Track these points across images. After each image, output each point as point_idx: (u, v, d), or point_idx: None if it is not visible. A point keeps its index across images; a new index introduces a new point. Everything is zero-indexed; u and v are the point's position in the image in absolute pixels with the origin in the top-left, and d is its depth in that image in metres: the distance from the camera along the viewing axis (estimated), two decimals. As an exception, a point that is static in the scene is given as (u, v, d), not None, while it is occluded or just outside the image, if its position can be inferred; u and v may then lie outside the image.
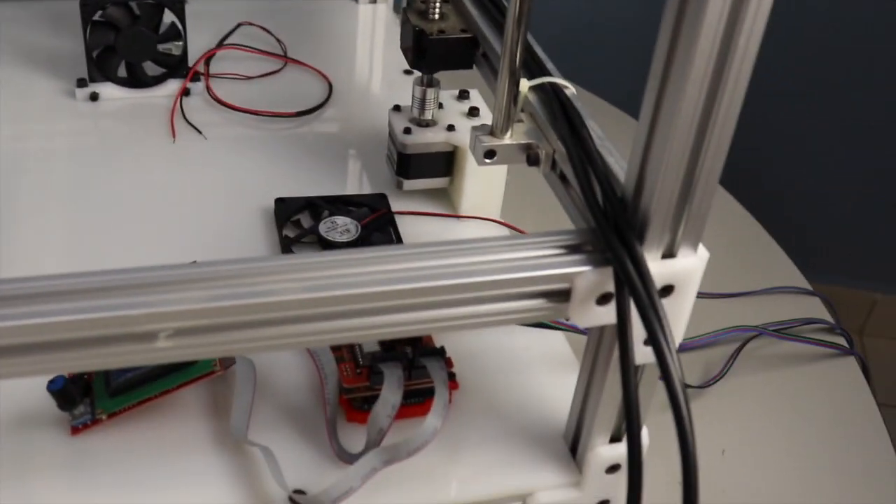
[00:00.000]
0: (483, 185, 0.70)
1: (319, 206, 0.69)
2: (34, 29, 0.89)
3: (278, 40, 0.90)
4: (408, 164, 0.70)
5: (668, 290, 0.45)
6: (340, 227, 0.66)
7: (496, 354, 0.60)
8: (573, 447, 0.54)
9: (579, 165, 0.48)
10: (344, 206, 0.69)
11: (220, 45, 0.88)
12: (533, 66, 0.57)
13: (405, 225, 0.69)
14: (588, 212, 0.46)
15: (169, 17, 0.80)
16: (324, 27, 0.94)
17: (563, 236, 0.45)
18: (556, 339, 0.61)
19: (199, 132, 0.78)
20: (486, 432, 0.55)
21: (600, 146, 0.50)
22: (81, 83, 0.81)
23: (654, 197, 0.42)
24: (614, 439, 0.52)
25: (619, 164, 0.48)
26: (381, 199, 0.70)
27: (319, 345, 0.54)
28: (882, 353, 1.71)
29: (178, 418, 0.54)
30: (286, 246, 0.66)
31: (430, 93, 0.68)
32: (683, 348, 0.67)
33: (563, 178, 0.53)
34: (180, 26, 0.80)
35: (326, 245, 0.65)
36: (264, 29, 0.91)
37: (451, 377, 0.56)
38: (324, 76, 0.86)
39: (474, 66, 0.65)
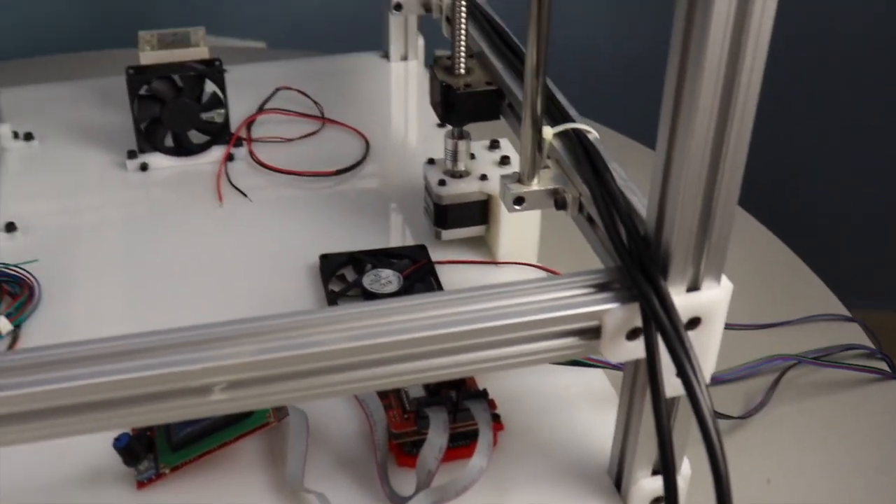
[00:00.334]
0: (518, 231, 0.72)
1: (362, 260, 0.71)
2: (86, 106, 0.94)
3: (315, 102, 0.93)
4: (444, 215, 0.73)
5: (694, 322, 0.47)
6: (383, 279, 0.69)
7: (539, 394, 0.62)
8: (617, 482, 0.56)
9: (603, 207, 0.50)
10: (386, 258, 0.72)
11: (261, 110, 0.92)
12: (556, 114, 0.59)
13: (445, 274, 0.72)
14: (614, 251, 0.48)
15: (210, 86, 0.83)
16: (358, 86, 0.98)
17: (591, 276, 0.48)
18: (596, 376, 0.63)
19: (245, 195, 0.81)
20: (532, 471, 0.57)
21: (624, 187, 0.52)
22: (131, 155, 0.85)
23: (673, 233, 0.45)
24: (657, 472, 0.54)
25: (642, 203, 0.50)
26: (421, 250, 0.73)
27: (366, 391, 0.57)
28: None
29: (236, 469, 0.56)
30: (332, 300, 0.69)
31: (462, 145, 0.71)
32: (722, 380, 0.69)
33: (590, 219, 0.55)
34: (221, 95, 0.84)
35: (370, 297, 0.67)
36: (301, 92, 0.94)
37: (496, 418, 0.58)
38: (360, 134, 0.89)
39: (501, 117, 0.68)
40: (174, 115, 0.83)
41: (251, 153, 0.86)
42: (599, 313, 0.46)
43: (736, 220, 0.63)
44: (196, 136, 0.86)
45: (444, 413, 0.54)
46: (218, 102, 0.85)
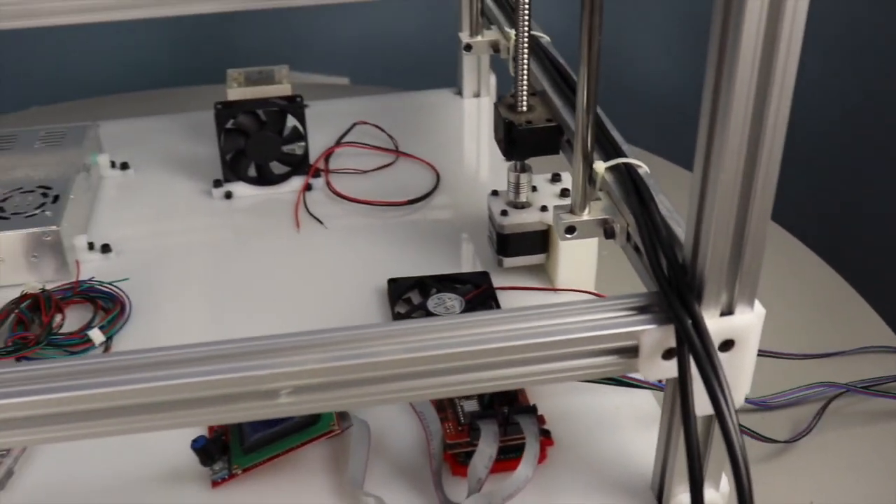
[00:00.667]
0: (576, 259, 0.76)
1: (428, 285, 0.76)
2: (177, 138, 1.00)
3: (390, 136, 0.98)
4: (506, 244, 0.77)
5: (728, 344, 0.50)
6: (447, 302, 0.73)
7: (589, 414, 0.65)
8: (659, 496, 0.59)
9: (646, 236, 0.54)
10: (450, 283, 0.76)
11: (338, 143, 0.97)
12: (609, 149, 0.63)
13: (506, 300, 0.75)
14: (653, 277, 0.52)
15: (292, 121, 0.89)
16: (432, 121, 1.03)
17: (632, 299, 0.51)
18: (644, 398, 0.66)
19: (321, 222, 0.87)
20: (579, 484, 0.60)
21: (668, 218, 0.56)
22: (217, 183, 0.91)
23: (707, 261, 0.48)
24: (695, 487, 0.57)
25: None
26: (484, 276, 0.77)
27: (417, 399, 0.61)
28: None
29: (302, 472, 0.61)
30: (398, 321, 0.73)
31: (524, 177, 0.75)
32: (771, 406, 0.71)
33: (636, 248, 0.58)
34: (302, 129, 0.90)
35: (433, 319, 0.72)
36: (377, 127, 0.99)
37: (547, 434, 0.62)
38: (432, 167, 0.94)
39: (561, 152, 0.72)
40: (257, 147, 0.89)
41: (328, 183, 0.91)
42: (637, 333, 0.50)
43: (792, 252, 0.65)
44: (277, 167, 0.91)
45: (495, 425, 0.58)
46: (298, 136, 0.90)
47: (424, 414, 0.61)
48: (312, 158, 0.92)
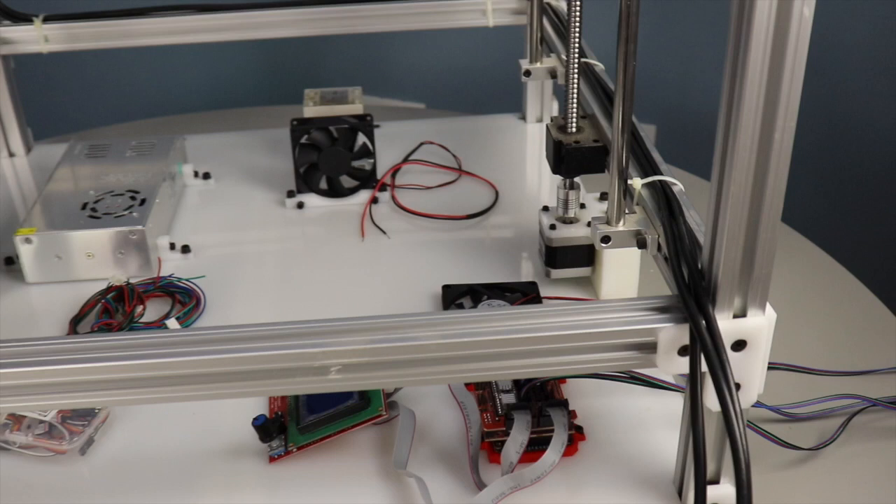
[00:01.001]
0: (619, 273, 0.80)
1: (479, 291, 0.81)
2: (255, 152, 1.08)
3: (455, 156, 1.04)
4: (554, 256, 0.82)
5: (740, 344, 0.55)
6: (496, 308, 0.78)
7: (621, 413, 0.70)
8: (680, 489, 0.63)
9: (671, 244, 0.59)
10: (500, 291, 0.81)
11: (405, 160, 1.03)
12: (647, 166, 0.68)
13: (552, 308, 0.80)
14: (674, 281, 0.56)
15: (362, 138, 0.96)
16: (494, 143, 1.08)
17: (655, 300, 0.56)
18: (674, 400, 0.70)
19: (384, 232, 0.93)
20: (606, 476, 0.65)
21: (696, 230, 0.60)
22: (290, 194, 0.98)
23: (720, 268, 0.53)
24: (712, 481, 0.61)
25: (708, 244, 0.58)
26: (532, 286, 0.82)
27: (453, 381, 0.67)
28: None
29: (351, 452, 0.66)
30: (449, 323, 0.78)
31: (572, 194, 0.80)
32: (798, 417, 0.74)
33: (665, 258, 0.63)
34: (371, 146, 0.96)
35: (481, 322, 0.77)
36: (443, 146, 1.06)
37: (579, 429, 0.67)
38: (492, 185, 1.00)
39: (606, 171, 0.77)
40: (329, 161, 0.96)
41: (393, 197, 0.98)
42: (655, 330, 0.54)
43: (825, 270, 0.69)
44: (347, 181, 0.98)
45: (528, 415, 0.63)
46: (367, 152, 0.97)
47: (465, 405, 0.67)
48: (380, 174, 0.99)
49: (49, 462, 0.67)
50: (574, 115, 0.77)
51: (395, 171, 1.02)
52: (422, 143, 1.06)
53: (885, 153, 1.46)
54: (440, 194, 0.99)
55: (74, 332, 0.79)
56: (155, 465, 0.67)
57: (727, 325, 0.54)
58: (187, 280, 0.84)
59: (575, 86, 0.76)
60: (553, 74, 0.96)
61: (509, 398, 0.66)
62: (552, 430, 0.64)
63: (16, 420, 0.68)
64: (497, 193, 0.99)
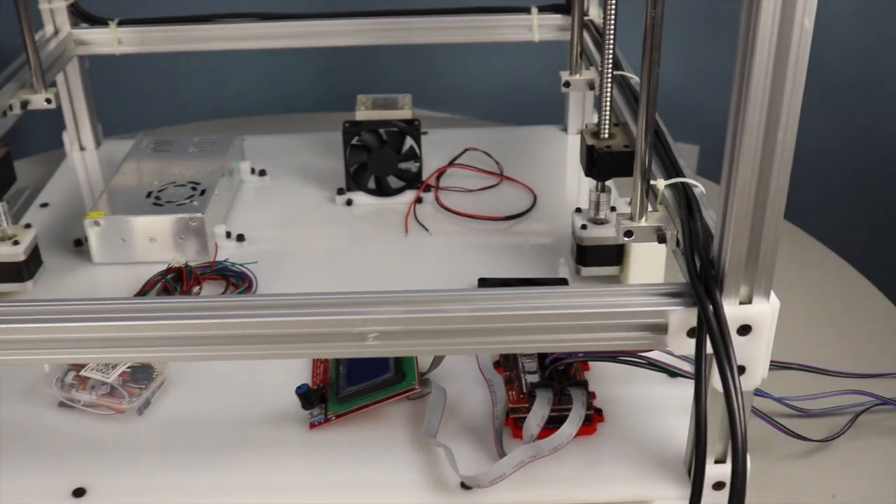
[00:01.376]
0: (645, 272, 0.85)
1: (512, 285, 0.86)
2: (308, 152, 1.15)
3: (497, 162, 1.10)
4: (584, 254, 0.87)
5: (746, 329, 0.59)
6: (527, 302, 0.84)
7: (639, 400, 0.74)
8: (689, 469, 0.68)
9: (686, 237, 0.64)
10: (531, 285, 0.86)
11: (450, 164, 1.09)
12: (671, 169, 0.73)
13: (580, 304, 0.85)
14: (686, 269, 0.61)
15: (409, 141, 1.01)
16: (535, 152, 1.14)
17: (667, 286, 0.61)
18: (689, 389, 0.74)
19: (426, 229, 0.98)
20: (621, 454, 0.70)
21: (712, 227, 0.65)
22: (340, 192, 1.04)
23: (728, 258, 0.57)
24: (719, 461, 0.65)
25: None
26: (562, 282, 0.87)
27: (479, 353, 0.73)
28: None
29: (386, 422, 0.72)
30: (482, 313, 0.84)
31: (603, 197, 0.86)
32: (808, 412, 0.78)
33: (683, 252, 0.68)
34: (417, 149, 1.02)
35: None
36: (486, 153, 1.11)
37: (598, 412, 0.72)
38: (531, 190, 1.05)
39: (635, 175, 0.82)
40: (378, 162, 1.02)
41: (437, 198, 1.03)
42: (666, 312, 0.59)
43: (840, 275, 0.74)
44: (394, 181, 1.04)
45: (550, 393, 0.68)
46: (414, 155, 1.03)
47: (493, 383, 0.72)
48: (425, 176, 1.04)
49: (109, 420, 0.74)
50: (607, 121, 0.82)
51: (439, 173, 1.07)
52: (466, 150, 1.12)
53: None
54: (481, 197, 1.05)
55: (136, 307, 0.86)
56: (205, 426, 0.73)
57: (733, 311, 0.58)
58: (241, 265, 0.90)
59: (608, 94, 0.81)
60: (591, 86, 1.01)
61: (534, 378, 0.71)
62: (571, 409, 0.69)
63: (81, 381, 0.74)
64: (535, 198, 1.04)
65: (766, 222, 0.56)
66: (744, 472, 0.56)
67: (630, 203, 0.72)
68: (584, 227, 0.86)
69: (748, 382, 0.60)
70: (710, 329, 0.57)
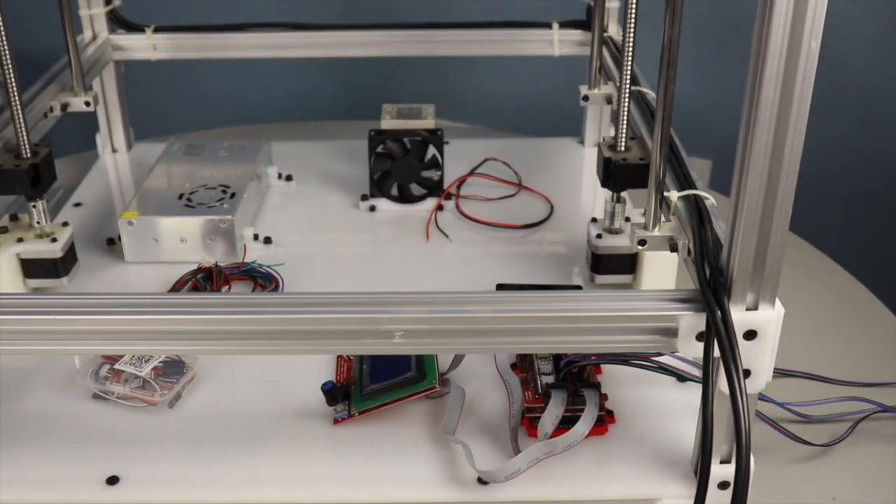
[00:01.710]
0: (657, 279, 0.88)
1: (528, 290, 0.89)
2: (334, 159, 1.18)
3: (515, 172, 1.13)
4: (599, 263, 0.90)
5: (752, 334, 0.62)
6: (543, 307, 0.87)
7: (651, 403, 0.77)
8: (696, 470, 0.70)
9: (697, 246, 0.67)
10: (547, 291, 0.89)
11: (470, 173, 1.12)
12: (684, 182, 0.76)
13: (595, 310, 0.89)
14: (696, 276, 0.64)
15: (432, 150, 1.05)
16: (553, 163, 1.17)
17: (678, 292, 0.64)
18: (698, 394, 0.77)
19: (446, 235, 1.02)
20: (631, 454, 0.73)
21: (722, 237, 0.68)
22: (364, 198, 1.07)
23: (736, 266, 0.60)
24: (724, 461, 0.68)
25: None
26: (577, 288, 0.90)
27: (500, 352, 0.76)
28: None
29: (407, 419, 0.75)
30: (500, 317, 0.87)
31: (618, 207, 0.89)
32: (811, 418, 0.81)
33: (694, 261, 0.71)
34: (439, 158, 1.05)
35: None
36: (505, 163, 1.15)
37: (610, 413, 0.75)
38: (548, 200, 1.08)
39: (650, 187, 0.85)
40: (401, 170, 1.05)
41: (457, 206, 1.07)
42: (676, 317, 0.62)
43: (842, 285, 0.76)
44: (416, 189, 1.07)
45: (564, 393, 0.71)
46: (436, 164, 1.06)
47: (510, 383, 0.75)
48: (446, 184, 1.08)
49: (141, 412, 0.77)
50: (623, 135, 0.86)
51: (460, 182, 1.11)
52: (486, 160, 1.15)
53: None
54: (500, 206, 1.08)
55: (167, 305, 0.89)
56: (233, 420, 0.76)
57: (740, 316, 0.61)
58: (268, 266, 0.94)
59: (626, 109, 0.85)
60: (609, 100, 1.04)
61: (549, 379, 0.75)
62: (584, 409, 0.72)
63: (115, 374, 0.78)
64: (552, 208, 1.07)
65: (772, 233, 0.59)
66: (747, 470, 0.60)
67: (644, 213, 0.75)
68: (599, 236, 0.90)
69: (753, 385, 0.63)
70: (718, 333, 0.60)
